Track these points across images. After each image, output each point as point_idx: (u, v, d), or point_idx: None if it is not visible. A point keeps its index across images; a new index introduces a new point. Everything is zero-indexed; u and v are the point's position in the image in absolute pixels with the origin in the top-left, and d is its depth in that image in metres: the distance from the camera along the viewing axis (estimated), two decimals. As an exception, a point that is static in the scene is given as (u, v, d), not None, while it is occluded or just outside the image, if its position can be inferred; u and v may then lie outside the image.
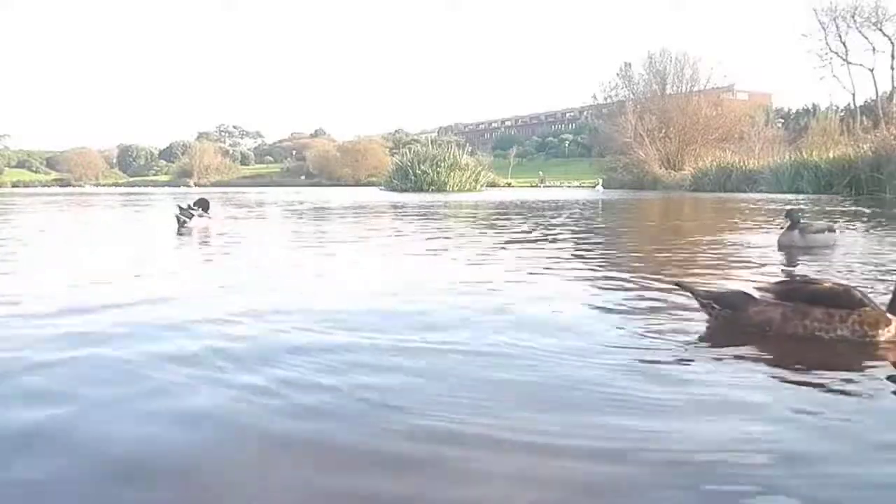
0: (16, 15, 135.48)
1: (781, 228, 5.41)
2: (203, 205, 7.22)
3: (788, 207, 5.73)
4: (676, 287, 2.66)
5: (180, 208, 7.11)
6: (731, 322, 2.39)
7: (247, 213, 11.36)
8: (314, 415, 1.61)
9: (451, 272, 4.12)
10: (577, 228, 7.87)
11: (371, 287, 3.55)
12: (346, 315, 2.70)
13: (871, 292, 3.29)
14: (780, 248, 5.23)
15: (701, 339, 2.34)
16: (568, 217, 10.01)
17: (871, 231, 7.02)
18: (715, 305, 2.44)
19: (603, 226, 8.77)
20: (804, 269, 4.20)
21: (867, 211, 10.65)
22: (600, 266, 4.38)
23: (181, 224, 6.97)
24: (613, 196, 21.53)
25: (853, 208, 11.45)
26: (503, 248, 5.55)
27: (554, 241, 6.21)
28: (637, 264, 4.66)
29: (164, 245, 6.10)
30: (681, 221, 9.84)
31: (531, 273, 3.99)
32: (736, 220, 8.83)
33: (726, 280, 3.70)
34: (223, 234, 6.81)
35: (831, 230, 5.39)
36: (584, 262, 4.59)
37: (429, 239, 6.26)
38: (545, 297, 3.13)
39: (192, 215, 7.01)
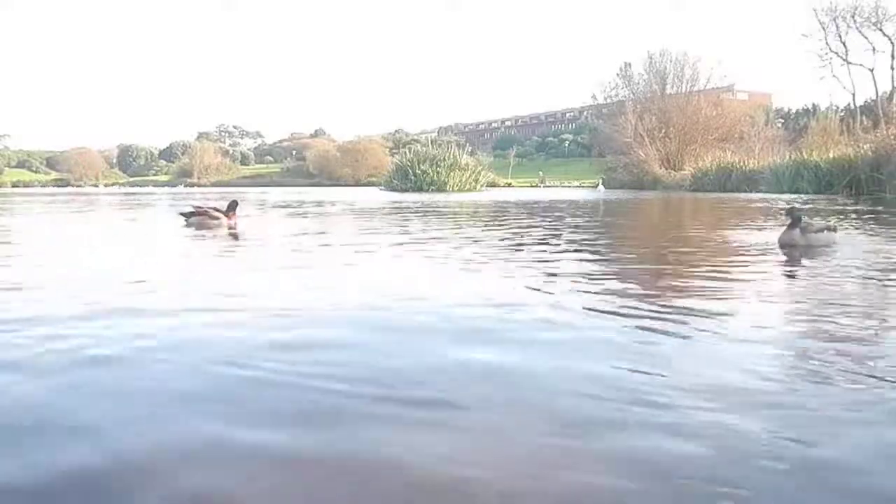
0: (16, 15, 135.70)
1: (782, 226, 5.41)
2: (233, 206, 7.52)
3: (790, 205, 5.71)
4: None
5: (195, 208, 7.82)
6: None
7: (282, 214, 11.40)
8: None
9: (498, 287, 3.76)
10: (585, 230, 7.87)
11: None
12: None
13: (875, 290, 3.30)
14: (781, 246, 5.23)
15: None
16: (573, 218, 10.01)
17: (873, 230, 7.02)
18: None
19: (607, 226, 8.77)
20: (806, 266, 4.20)
21: (867, 210, 10.65)
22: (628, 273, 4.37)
23: (186, 221, 7.59)
24: (614, 196, 21.52)
25: (853, 208, 11.44)
26: (513, 254, 5.54)
27: (561, 243, 6.21)
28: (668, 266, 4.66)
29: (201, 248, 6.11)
30: (684, 221, 9.84)
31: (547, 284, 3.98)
32: (737, 220, 8.83)
33: (726, 277, 3.70)
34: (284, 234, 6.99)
35: (831, 229, 5.38)
36: (603, 268, 4.59)
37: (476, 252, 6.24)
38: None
39: (193, 213, 7.58)
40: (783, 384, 1.78)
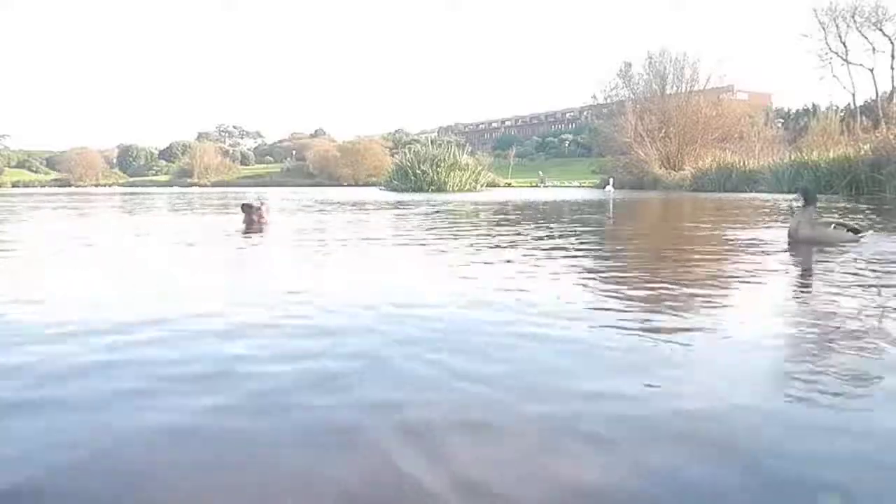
0: (16, 15, 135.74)
1: (792, 208, 5.35)
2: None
3: (802, 185, 5.61)
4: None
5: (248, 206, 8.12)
6: None
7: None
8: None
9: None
10: (596, 233, 7.93)
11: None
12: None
13: (879, 289, 3.37)
14: (790, 235, 5.21)
15: None
16: (585, 219, 10.08)
17: (880, 230, 7.03)
18: None
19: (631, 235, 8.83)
20: (814, 262, 4.27)
21: (868, 209, 10.73)
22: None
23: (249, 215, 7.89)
24: (617, 196, 21.55)
25: (853, 206, 11.53)
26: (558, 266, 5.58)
27: (572, 247, 6.27)
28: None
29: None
30: (693, 220, 9.93)
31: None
32: (741, 218, 8.92)
33: (731, 272, 3.78)
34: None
35: (848, 229, 5.21)
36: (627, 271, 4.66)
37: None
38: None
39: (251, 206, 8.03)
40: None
